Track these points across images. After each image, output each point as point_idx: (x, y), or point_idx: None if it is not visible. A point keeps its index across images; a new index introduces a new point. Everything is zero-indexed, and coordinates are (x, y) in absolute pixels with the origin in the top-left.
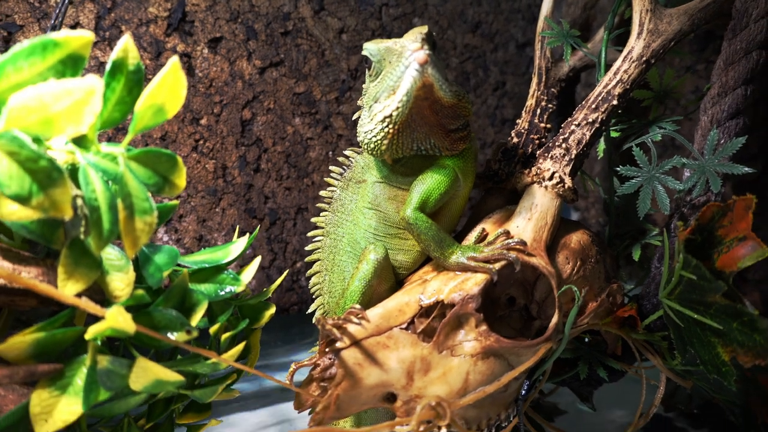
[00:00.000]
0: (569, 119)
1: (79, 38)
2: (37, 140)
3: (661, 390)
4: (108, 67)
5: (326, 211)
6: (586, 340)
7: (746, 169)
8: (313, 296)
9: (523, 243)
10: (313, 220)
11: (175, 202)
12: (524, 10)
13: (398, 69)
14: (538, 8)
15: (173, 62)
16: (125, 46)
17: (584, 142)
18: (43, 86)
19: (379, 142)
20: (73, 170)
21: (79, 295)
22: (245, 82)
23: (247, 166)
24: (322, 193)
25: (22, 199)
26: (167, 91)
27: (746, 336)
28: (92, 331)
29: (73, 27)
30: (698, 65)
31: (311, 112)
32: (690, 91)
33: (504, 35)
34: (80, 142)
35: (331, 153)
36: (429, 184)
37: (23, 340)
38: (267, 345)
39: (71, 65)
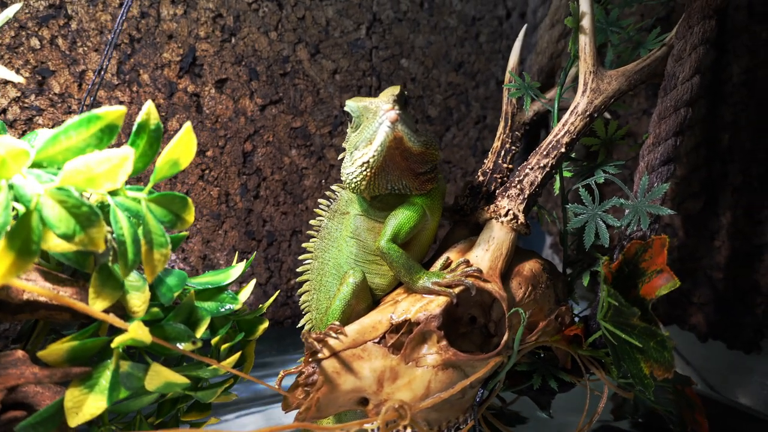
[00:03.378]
0: (524, 163)
1: (114, 112)
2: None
3: (604, 399)
4: (134, 127)
5: (315, 237)
6: (541, 355)
7: (669, 210)
8: (303, 312)
9: (480, 271)
10: (303, 245)
11: (185, 233)
12: (504, 50)
13: (374, 124)
14: None
15: (187, 126)
16: (148, 110)
17: (536, 183)
18: (90, 155)
19: (359, 182)
20: (101, 207)
21: (106, 311)
22: (247, 118)
23: (248, 193)
24: (311, 222)
25: (68, 237)
26: (182, 149)
27: (659, 353)
28: (118, 341)
29: (98, 72)
30: (653, 108)
31: (306, 144)
32: (645, 131)
33: (485, 74)
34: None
35: (323, 181)
36: (400, 218)
37: (61, 347)
38: (263, 354)
39: (108, 133)
